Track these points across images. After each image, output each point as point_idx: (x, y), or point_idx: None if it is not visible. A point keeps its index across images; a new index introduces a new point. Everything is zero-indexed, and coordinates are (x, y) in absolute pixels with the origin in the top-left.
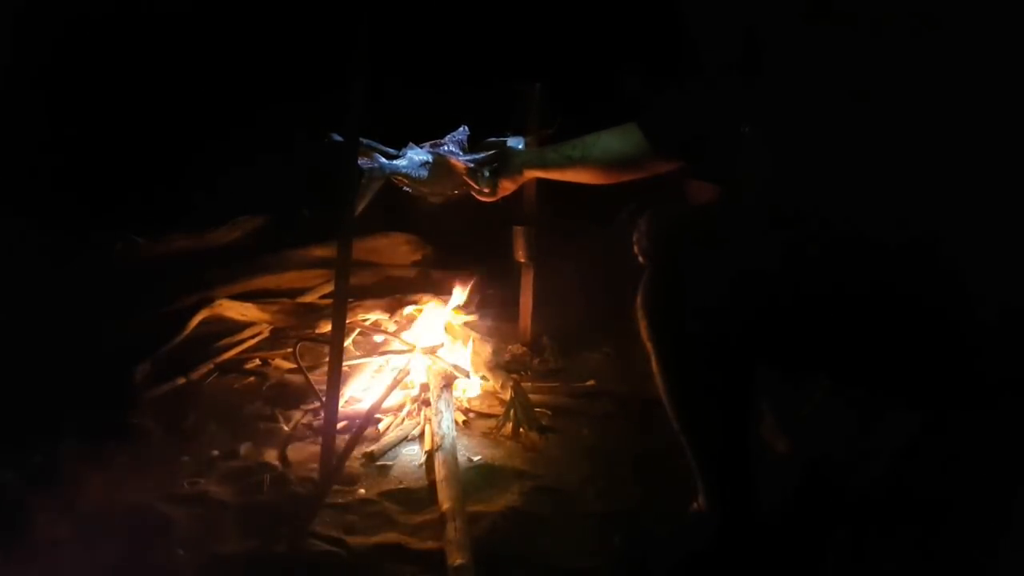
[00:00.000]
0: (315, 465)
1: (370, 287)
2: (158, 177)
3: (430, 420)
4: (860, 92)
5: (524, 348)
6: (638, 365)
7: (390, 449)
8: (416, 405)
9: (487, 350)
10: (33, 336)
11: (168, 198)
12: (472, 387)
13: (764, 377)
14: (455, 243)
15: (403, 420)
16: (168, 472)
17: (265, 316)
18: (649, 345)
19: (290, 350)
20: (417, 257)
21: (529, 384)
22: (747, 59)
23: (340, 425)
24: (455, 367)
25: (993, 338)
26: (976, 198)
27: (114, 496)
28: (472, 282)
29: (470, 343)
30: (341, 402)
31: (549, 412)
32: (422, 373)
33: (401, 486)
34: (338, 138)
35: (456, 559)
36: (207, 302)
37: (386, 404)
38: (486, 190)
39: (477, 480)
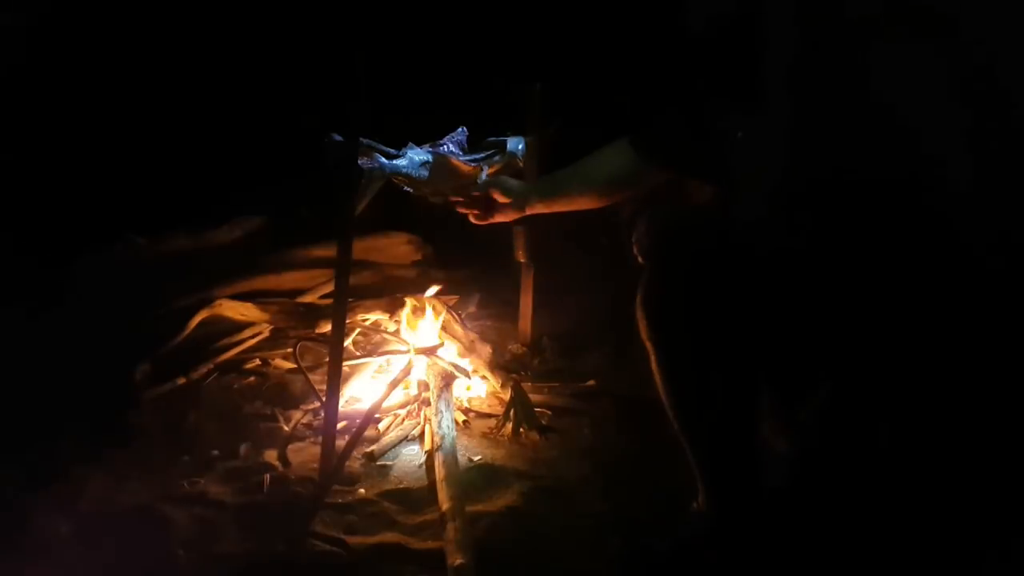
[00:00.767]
0: (315, 465)
1: (370, 287)
2: (158, 177)
3: (430, 420)
4: (855, 96)
5: (524, 348)
6: (638, 365)
7: (390, 449)
8: (416, 405)
9: (487, 350)
10: (33, 336)
11: (168, 198)
12: (476, 387)
13: (764, 377)
14: (455, 243)
15: (403, 420)
16: (168, 472)
17: (265, 316)
18: (649, 345)
19: (290, 350)
20: (417, 257)
21: (529, 384)
22: (743, 79)
23: (340, 425)
24: (455, 367)
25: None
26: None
27: (114, 496)
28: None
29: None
30: (341, 402)
31: (549, 412)
32: (422, 373)
33: (401, 486)
34: (338, 138)
35: (456, 559)
36: (207, 302)
37: (386, 404)
38: (478, 213)
39: (477, 480)
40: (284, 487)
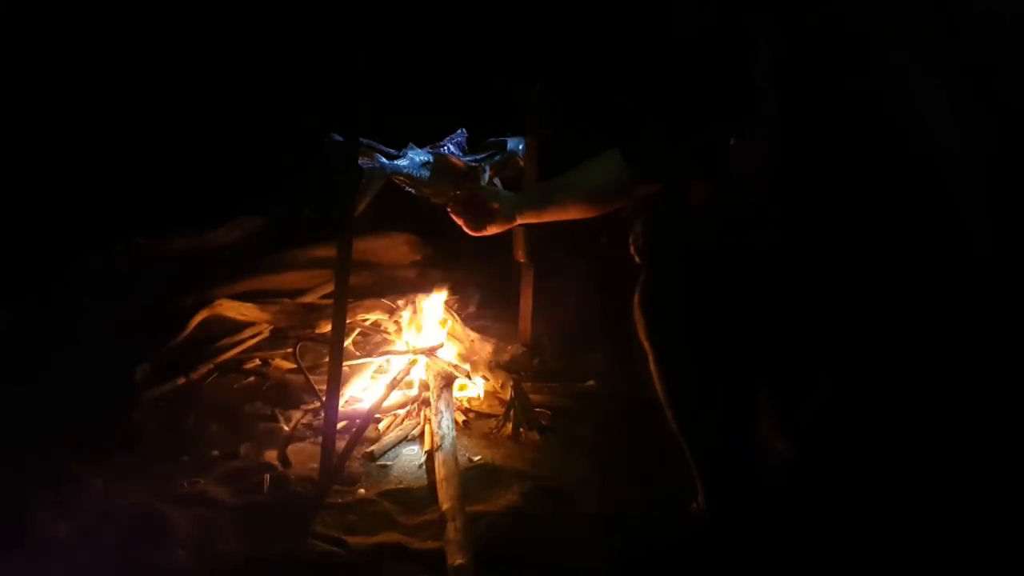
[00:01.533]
0: (315, 465)
1: (370, 287)
2: (158, 177)
3: (430, 420)
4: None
5: (524, 348)
6: (637, 365)
7: (390, 449)
8: (416, 405)
9: (487, 350)
10: (33, 336)
11: (168, 198)
12: (476, 387)
13: (762, 377)
14: (455, 243)
15: (403, 420)
16: (168, 472)
17: (265, 316)
18: (647, 345)
19: (290, 350)
20: (417, 257)
21: (529, 384)
22: (733, 88)
23: (340, 425)
24: (455, 367)
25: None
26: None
27: (114, 496)
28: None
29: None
30: (341, 402)
31: (549, 412)
32: (422, 373)
33: (401, 486)
34: (338, 138)
35: (456, 559)
36: (207, 302)
37: (386, 404)
38: (472, 225)
39: (477, 480)
40: (284, 487)
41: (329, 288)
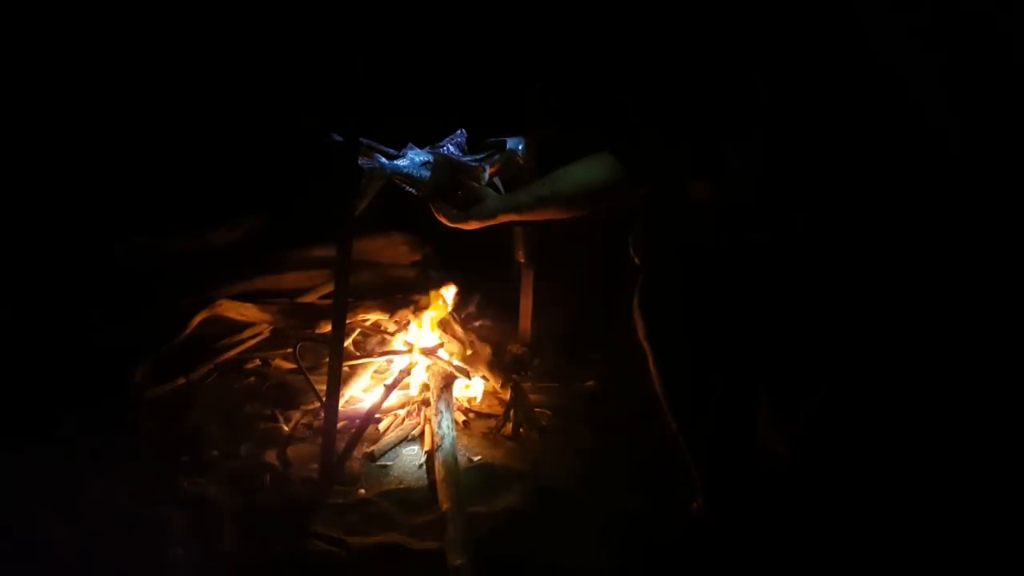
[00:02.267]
0: (315, 465)
1: (370, 287)
2: (158, 178)
3: (430, 420)
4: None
5: (524, 348)
6: (638, 366)
7: (390, 449)
8: (416, 405)
9: (487, 350)
10: (34, 336)
11: (168, 198)
12: (475, 387)
13: (762, 379)
14: (455, 243)
15: (403, 420)
16: (168, 472)
17: (265, 316)
18: (646, 345)
19: (290, 350)
20: (417, 257)
21: (529, 384)
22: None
23: (340, 425)
24: (455, 367)
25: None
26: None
27: (114, 496)
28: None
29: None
30: (341, 402)
31: (549, 412)
32: (422, 373)
33: (401, 486)
34: (338, 138)
35: (456, 559)
36: (207, 302)
37: (386, 404)
38: (451, 217)
39: (477, 480)
40: (284, 487)
41: (329, 288)
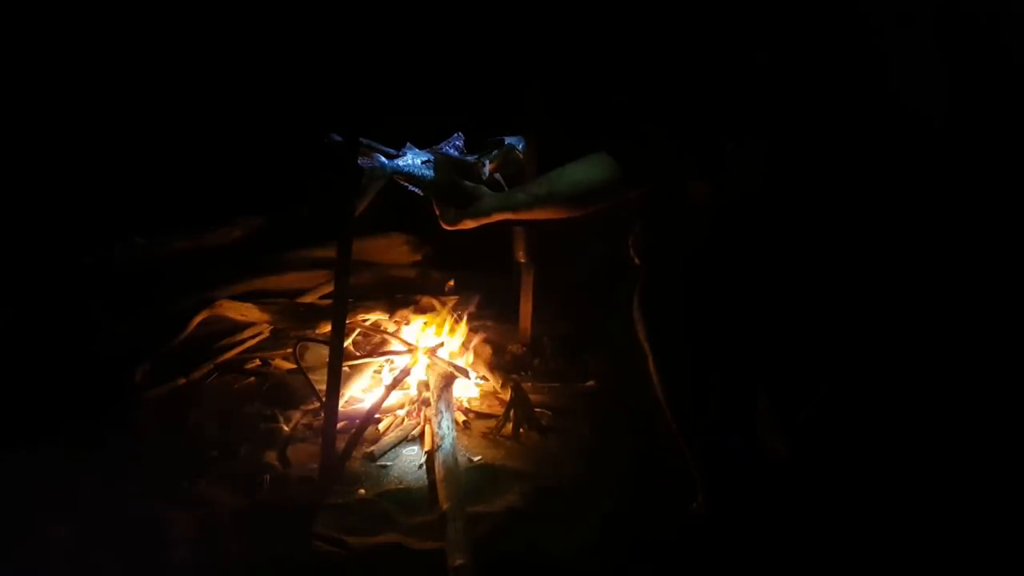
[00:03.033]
0: (315, 465)
1: (370, 287)
2: (158, 178)
3: (430, 420)
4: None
5: (524, 348)
6: (638, 365)
7: (390, 449)
8: (416, 405)
9: (487, 350)
10: (34, 336)
11: (168, 198)
12: (473, 388)
13: (761, 378)
14: (455, 243)
15: (403, 420)
16: (168, 472)
17: (265, 316)
18: (646, 345)
19: (290, 350)
20: (417, 257)
21: (529, 384)
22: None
23: (340, 425)
24: (455, 367)
25: None
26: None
27: (114, 497)
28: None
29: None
30: (341, 402)
31: (549, 412)
32: (422, 373)
33: (401, 486)
34: (338, 138)
35: (456, 559)
36: (207, 302)
37: (386, 404)
38: (448, 218)
39: (477, 480)
40: (284, 487)
41: (329, 288)
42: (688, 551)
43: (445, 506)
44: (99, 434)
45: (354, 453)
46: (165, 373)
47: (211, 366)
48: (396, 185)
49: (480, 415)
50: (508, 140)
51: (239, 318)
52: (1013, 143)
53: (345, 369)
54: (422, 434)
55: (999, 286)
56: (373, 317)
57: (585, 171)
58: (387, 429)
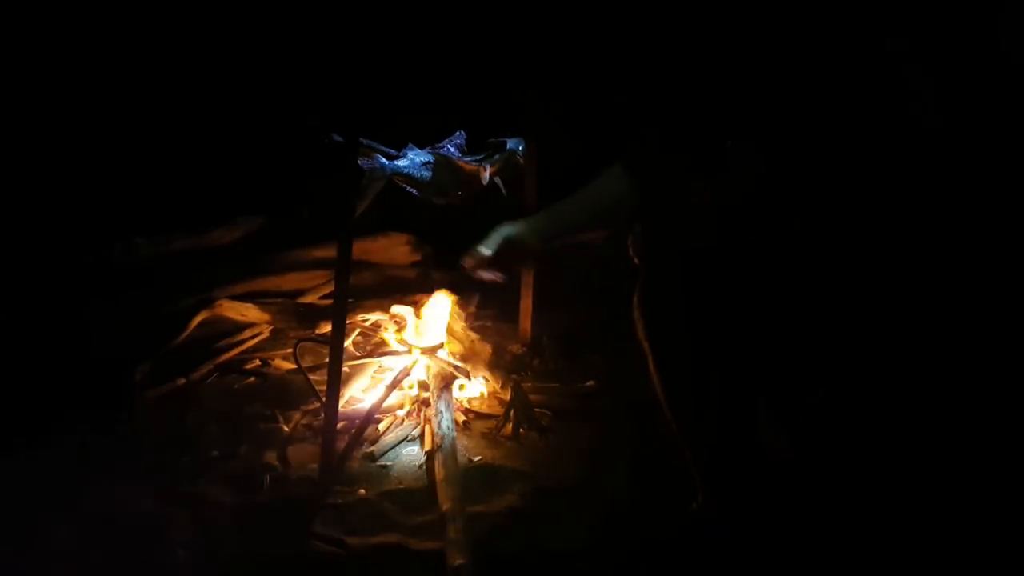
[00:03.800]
0: (315, 465)
1: (370, 287)
2: (159, 178)
3: (430, 420)
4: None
5: (524, 348)
6: (637, 366)
7: (390, 449)
8: (416, 406)
9: (487, 350)
10: (34, 336)
11: (168, 198)
12: (472, 387)
13: (763, 377)
14: (455, 243)
15: (403, 421)
16: (168, 472)
17: (265, 316)
18: (646, 345)
19: (290, 350)
20: (417, 257)
21: (529, 384)
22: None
23: (340, 425)
24: (455, 367)
25: None
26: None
27: (115, 496)
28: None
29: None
30: (341, 402)
31: (549, 412)
32: (422, 373)
33: (401, 486)
34: (338, 138)
35: (456, 559)
36: (207, 302)
37: (386, 404)
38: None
39: (477, 480)
40: (284, 487)
41: (329, 288)
42: (688, 551)
43: (445, 506)
44: (99, 434)
45: (354, 453)
46: (165, 373)
47: (211, 366)
48: (396, 186)
49: (480, 415)
50: (508, 142)
51: (239, 318)
52: (1008, 143)
53: (345, 369)
54: (422, 434)
55: (997, 286)
56: (373, 317)
57: (612, 185)
58: (387, 429)
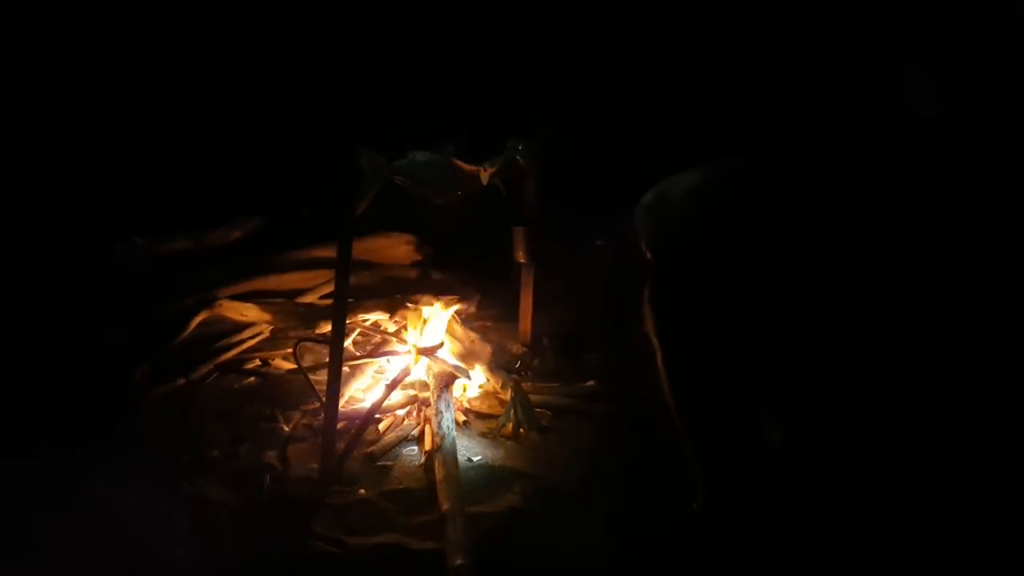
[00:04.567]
0: (315, 465)
1: (370, 287)
2: (159, 178)
3: (430, 420)
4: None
5: (524, 348)
6: (638, 365)
7: (390, 449)
8: (416, 405)
9: (487, 350)
10: (34, 336)
11: (168, 198)
12: (472, 387)
13: (765, 377)
14: (455, 243)
15: (403, 420)
16: (168, 472)
17: (265, 316)
18: (655, 340)
19: (290, 350)
20: (417, 257)
21: (529, 384)
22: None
23: (340, 425)
24: (455, 367)
25: None
26: None
27: (115, 496)
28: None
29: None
30: (341, 402)
31: (549, 412)
32: (422, 373)
33: (401, 486)
34: (338, 139)
35: (456, 559)
36: (207, 302)
37: (386, 404)
38: None
39: (477, 480)
40: (284, 487)
41: (329, 288)
42: (688, 551)
43: (445, 506)
44: (99, 434)
45: (354, 453)
46: (165, 373)
47: (211, 366)
48: (396, 186)
49: (480, 415)
50: (509, 143)
51: (239, 318)
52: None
53: (345, 369)
54: (422, 434)
55: (997, 288)
56: (373, 317)
57: None
58: (387, 429)
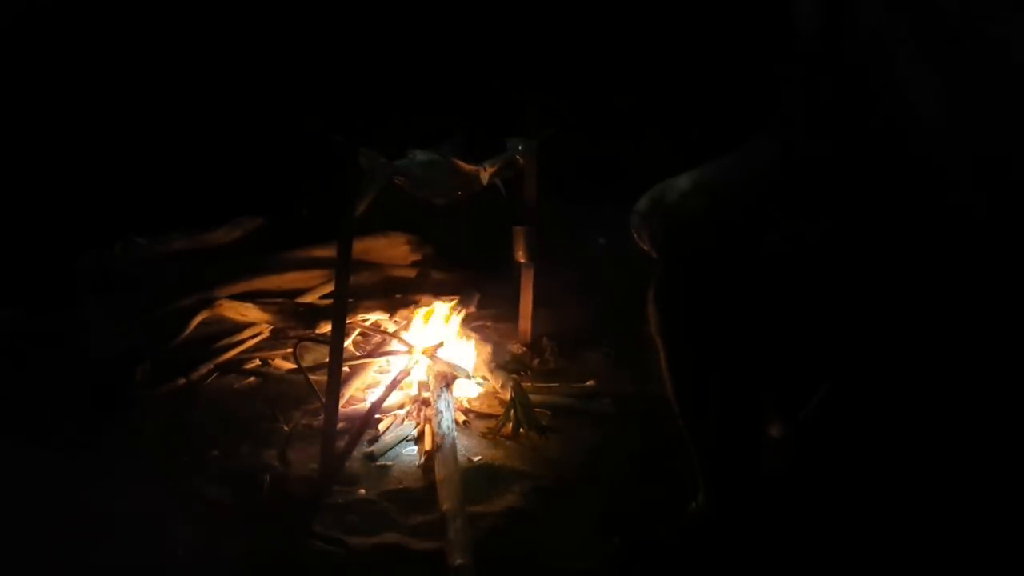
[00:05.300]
0: (315, 465)
1: (370, 287)
2: (159, 178)
3: (430, 420)
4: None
5: (524, 348)
6: (637, 365)
7: (390, 449)
8: (416, 405)
9: (487, 350)
10: (34, 336)
11: (168, 198)
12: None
13: (768, 375)
14: (455, 243)
15: (403, 420)
16: (168, 472)
17: (265, 316)
18: (659, 340)
19: (290, 350)
20: (417, 257)
21: (529, 384)
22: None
23: (340, 425)
24: (455, 367)
25: None
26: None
27: (114, 497)
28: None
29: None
30: (341, 402)
31: (549, 412)
32: (422, 373)
33: (401, 486)
34: (339, 138)
35: (456, 559)
36: (207, 302)
37: (386, 404)
38: None
39: (477, 480)
40: (284, 487)
41: (329, 288)
42: (688, 551)
43: (445, 506)
44: (99, 434)
45: (354, 453)
46: (165, 373)
47: (211, 366)
48: (396, 186)
49: (480, 415)
50: (509, 143)
51: (239, 318)
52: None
53: (345, 369)
54: (422, 434)
55: (999, 287)
56: (373, 317)
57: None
58: (387, 429)
